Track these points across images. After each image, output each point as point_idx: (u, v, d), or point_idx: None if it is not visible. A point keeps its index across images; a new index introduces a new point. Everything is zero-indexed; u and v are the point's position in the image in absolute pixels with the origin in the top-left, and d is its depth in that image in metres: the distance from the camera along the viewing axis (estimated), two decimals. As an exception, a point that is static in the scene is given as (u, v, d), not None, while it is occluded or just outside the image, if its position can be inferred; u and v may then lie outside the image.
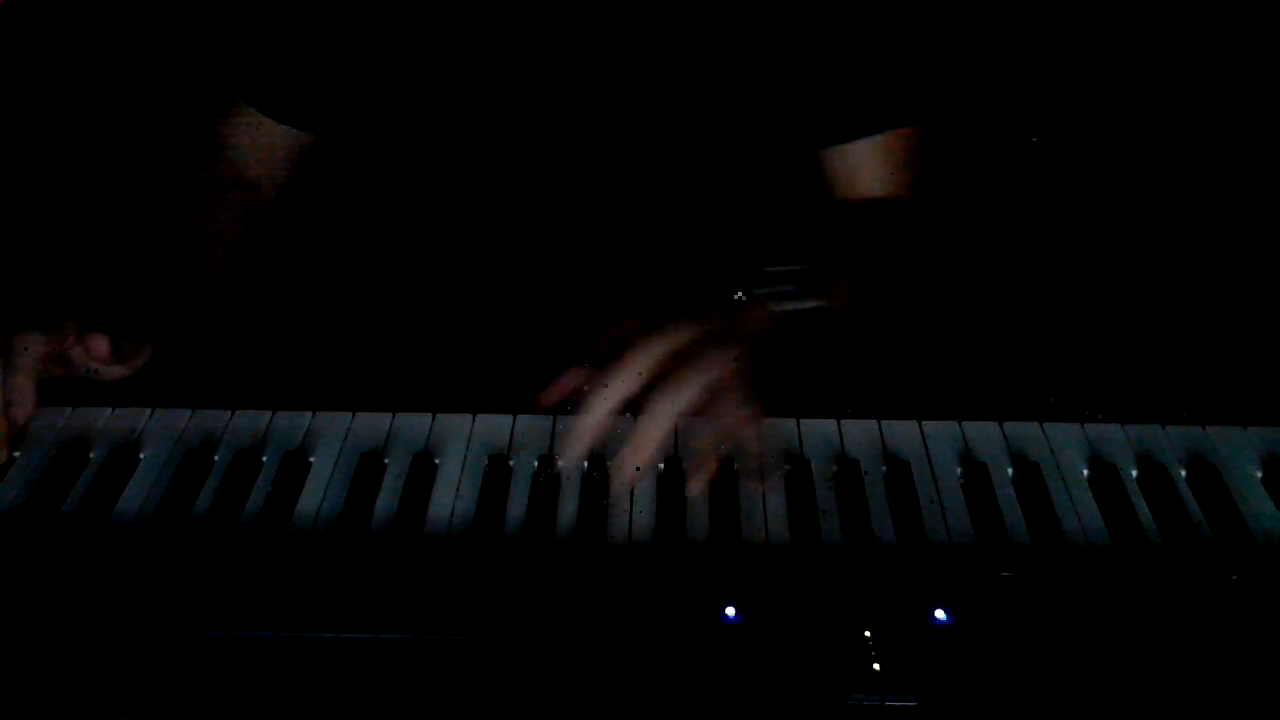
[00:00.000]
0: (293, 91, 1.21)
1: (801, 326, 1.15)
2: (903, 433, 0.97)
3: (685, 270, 1.22)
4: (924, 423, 0.98)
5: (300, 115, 1.22)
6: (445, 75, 1.17)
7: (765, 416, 0.91)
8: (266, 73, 1.20)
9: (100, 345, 0.96)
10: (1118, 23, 1.50)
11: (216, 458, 0.95)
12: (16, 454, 0.95)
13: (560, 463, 0.93)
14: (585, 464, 0.93)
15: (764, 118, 1.17)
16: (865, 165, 1.16)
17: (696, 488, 0.89)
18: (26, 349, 0.96)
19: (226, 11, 1.25)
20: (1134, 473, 0.94)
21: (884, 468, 0.93)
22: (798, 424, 0.97)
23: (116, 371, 1.00)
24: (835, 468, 0.93)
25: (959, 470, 0.94)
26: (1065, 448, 0.96)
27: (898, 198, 1.15)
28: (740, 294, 0.98)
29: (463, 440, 0.96)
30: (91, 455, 0.95)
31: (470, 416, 0.98)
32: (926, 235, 1.16)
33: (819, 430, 0.97)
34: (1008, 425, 0.98)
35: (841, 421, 0.98)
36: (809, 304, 0.99)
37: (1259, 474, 0.94)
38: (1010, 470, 0.94)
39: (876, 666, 0.76)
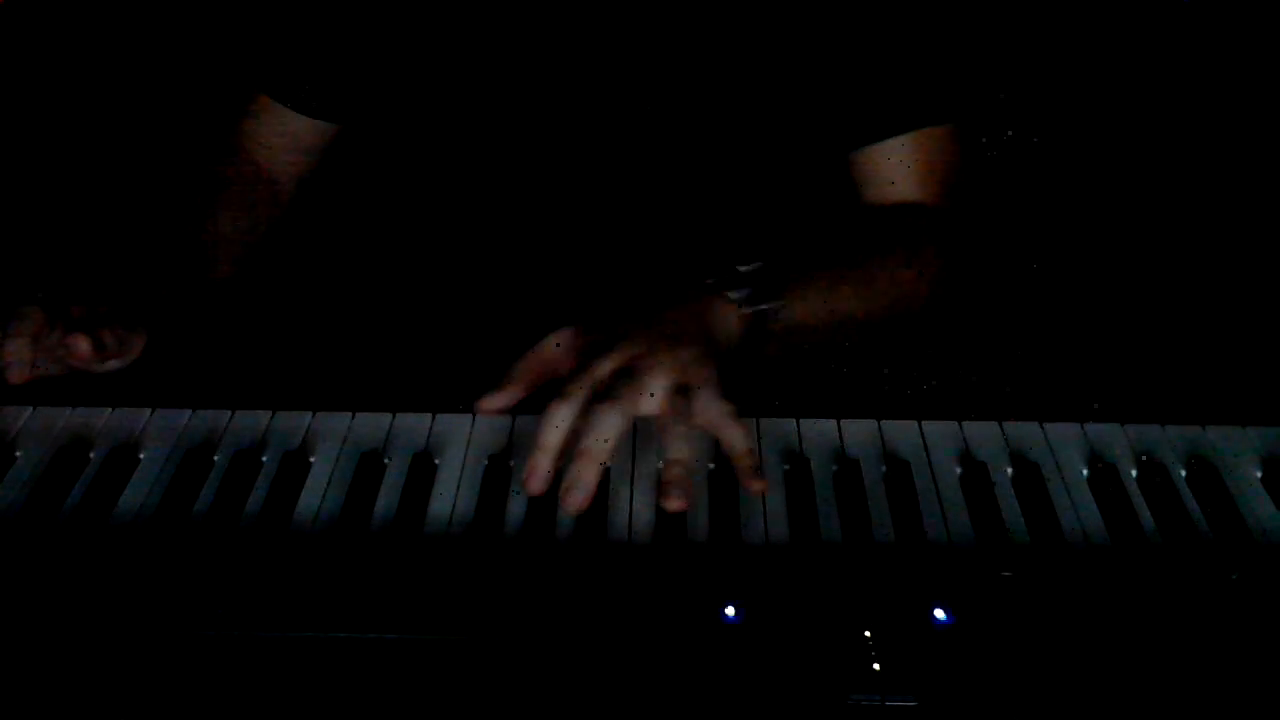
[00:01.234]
0: (316, 79, 1.21)
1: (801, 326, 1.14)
2: (902, 432, 0.97)
3: (683, 270, 1.22)
4: (923, 422, 0.98)
5: (322, 104, 1.22)
6: (454, 69, 1.17)
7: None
8: (290, 61, 1.20)
9: (81, 345, 0.95)
10: (1117, 23, 1.50)
11: (216, 458, 0.95)
12: (18, 454, 0.96)
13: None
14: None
15: (764, 120, 1.17)
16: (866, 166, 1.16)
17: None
18: (27, 318, 0.96)
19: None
20: (1134, 472, 0.94)
21: (884, 467, 0.93)
22: (797, 424, 0.97)
23: (107, 366, 1.00)
24: (835, 467, 0.93)
25: (959, 470, 0.94)
26: (1065, 447, 0.96)
27: (891, 198, 1.15)
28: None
29: (463, 440, 0.96)
30: (91, 455, 0.95)
31: (470, 416, 0.98)
32: (925, 236, 1.16)
33: (819, 430, 0.97)
34: (1007, 425, 0.97)
35: (841, 421, 0.98)
36: (770, 304, 0.98)
37: (1259, 474, 0.94)
38: (1010, 470, 0.94)
39: (876, 666, 0.76)
